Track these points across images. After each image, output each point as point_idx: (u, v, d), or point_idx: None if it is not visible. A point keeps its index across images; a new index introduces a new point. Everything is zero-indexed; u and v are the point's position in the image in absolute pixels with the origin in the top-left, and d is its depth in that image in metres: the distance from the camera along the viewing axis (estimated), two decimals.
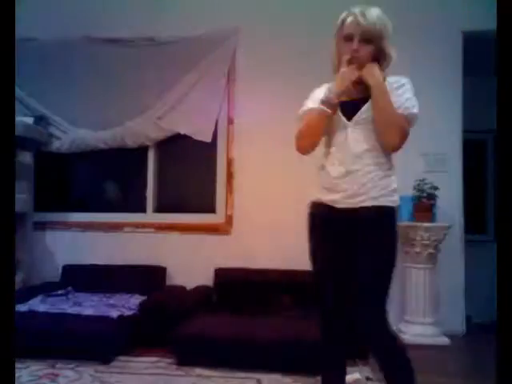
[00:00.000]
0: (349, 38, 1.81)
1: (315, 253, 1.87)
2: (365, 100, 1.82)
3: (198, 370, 2.73)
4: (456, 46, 3.86)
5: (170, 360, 2.88)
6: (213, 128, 4.02)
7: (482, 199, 4.90)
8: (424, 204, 3.59)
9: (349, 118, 1.83)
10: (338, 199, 1.80)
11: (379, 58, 1.84)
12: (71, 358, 2.86)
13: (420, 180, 3.63)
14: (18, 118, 3.67)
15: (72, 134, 4.12)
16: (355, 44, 1.79)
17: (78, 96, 4.09)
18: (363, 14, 1.78)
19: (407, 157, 3.84)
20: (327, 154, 1.88)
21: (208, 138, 4.01)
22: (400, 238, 3.72)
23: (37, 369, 2.72)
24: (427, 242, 3.52)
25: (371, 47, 1.80)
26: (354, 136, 1.81)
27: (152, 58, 4.07)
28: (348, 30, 1.81)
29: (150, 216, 4.19)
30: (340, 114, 1.84)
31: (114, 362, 2.88)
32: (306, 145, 1.89)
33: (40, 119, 4.06)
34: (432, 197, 3.60)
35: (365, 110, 1.81)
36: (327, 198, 1.83)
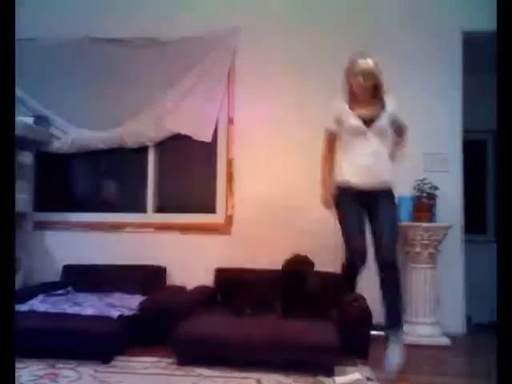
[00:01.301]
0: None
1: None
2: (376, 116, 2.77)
3: (198, 370, 2.72)
4: (456, 46, 3.86)
5: (170, 360, 2.88)
6: (213, 128, 4.01)
7: (481, 199, 4.89)
8: (424, 204, 3.59)
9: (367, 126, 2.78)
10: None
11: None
12: (71, 358, 2.85)
13: (420, 180, 3.63)
14: (18, 118, 3.67)
15: (72, 134, 4.12)
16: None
17: (78, 96, 4.09)
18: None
19: (407, 157, 3.86)
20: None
21: (208, 138, 4.01)
22: (400, 238, 3.73)
23: (37, 369, 2.71)
24: (427, 242, 3.51)
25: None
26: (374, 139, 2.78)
27: (152, 57, 4.07)
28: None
29: (150, 216, 4.18)
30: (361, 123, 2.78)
31: (114, 361, 2.87)
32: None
33: (40, 119, 4.06)
34: (432, 197, 3.59)
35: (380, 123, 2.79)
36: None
